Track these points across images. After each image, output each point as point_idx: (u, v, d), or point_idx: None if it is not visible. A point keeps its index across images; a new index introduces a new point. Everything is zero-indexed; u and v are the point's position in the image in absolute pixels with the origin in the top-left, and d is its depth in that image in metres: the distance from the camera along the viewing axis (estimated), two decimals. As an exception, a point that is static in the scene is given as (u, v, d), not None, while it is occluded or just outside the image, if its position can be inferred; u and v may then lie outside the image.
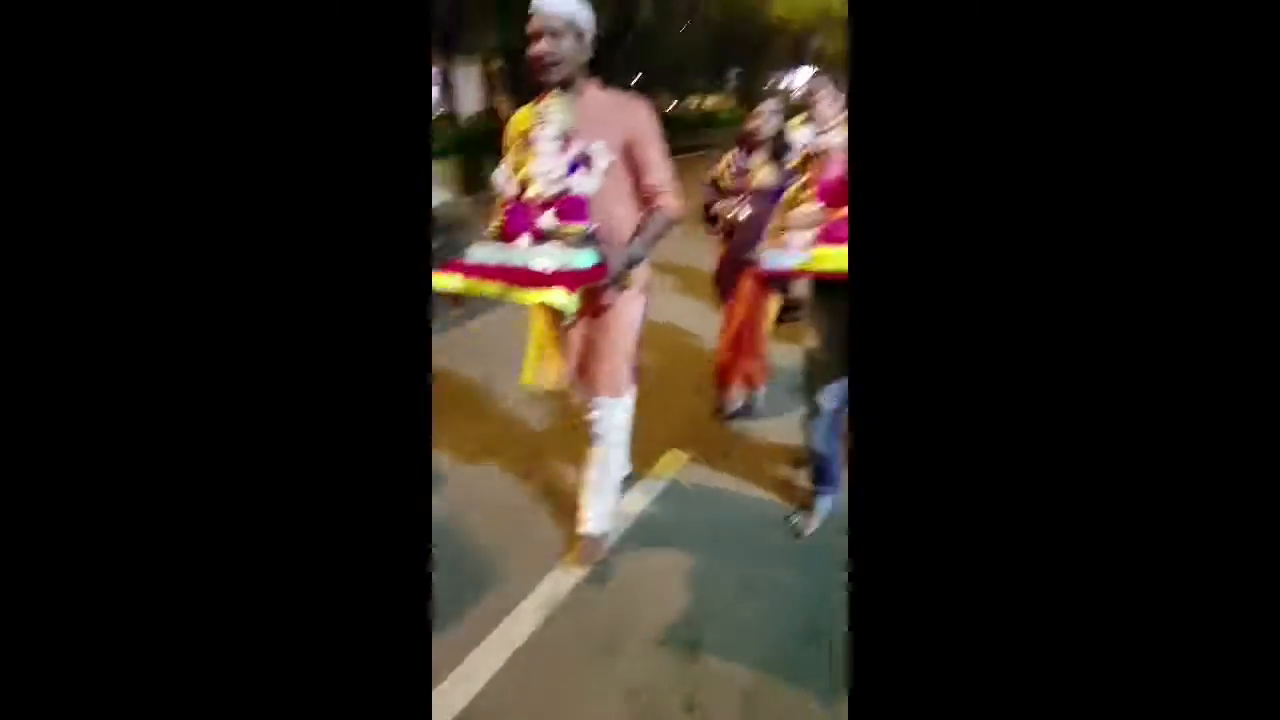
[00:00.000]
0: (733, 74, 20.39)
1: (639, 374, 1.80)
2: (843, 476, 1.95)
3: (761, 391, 2.68)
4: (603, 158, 1.40)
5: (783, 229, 1.57)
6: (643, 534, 1.94)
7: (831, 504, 1.98)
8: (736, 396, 2.64)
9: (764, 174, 2.35)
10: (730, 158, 2.49)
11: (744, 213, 2.36)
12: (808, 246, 1.50)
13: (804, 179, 1.56)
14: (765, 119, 2.36)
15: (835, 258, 1.43)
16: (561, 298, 1.23)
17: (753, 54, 19.19)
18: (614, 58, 14.48)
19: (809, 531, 1.93)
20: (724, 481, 2.22)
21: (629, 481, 2.17)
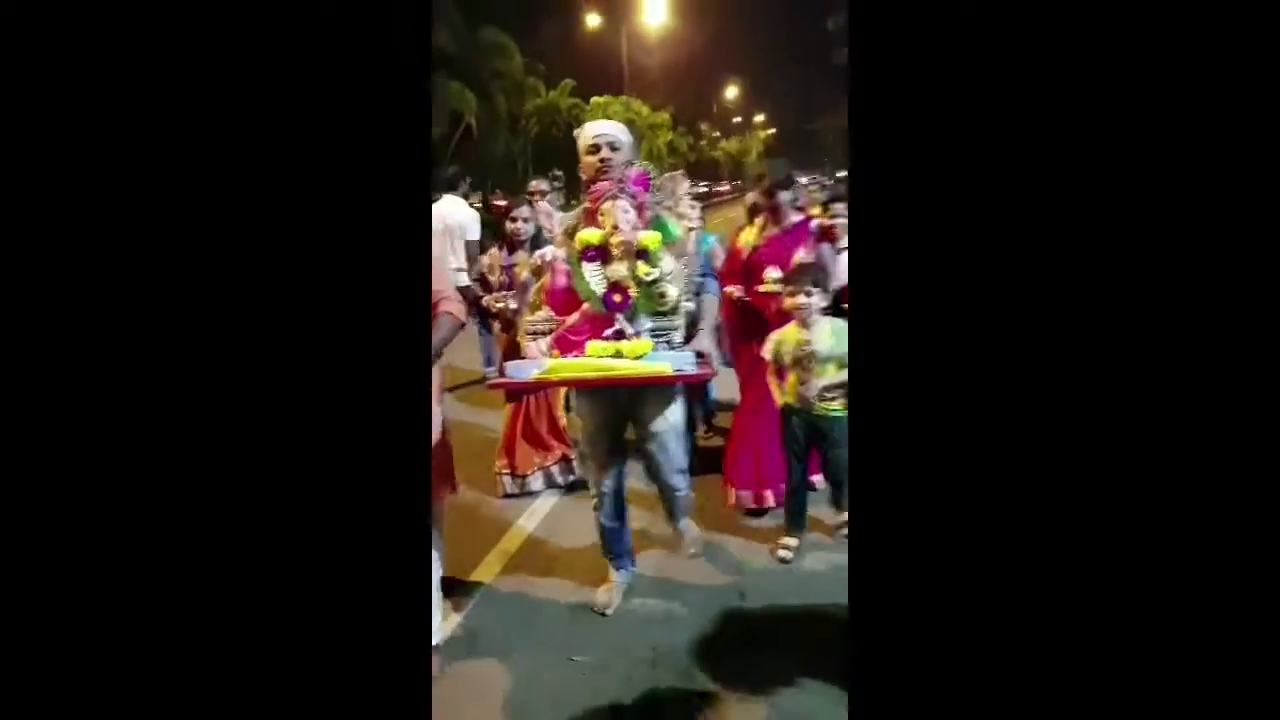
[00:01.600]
0: (558, 175, 21.63)
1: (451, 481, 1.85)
2: (630, 552, 2.07)
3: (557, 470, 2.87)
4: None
5: (525, 333, 1.74)
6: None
7: (629, 577, 2.08)
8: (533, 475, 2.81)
9: (528, 271, 2.60)
10: (494, 255, 2.75)
11: (513, 304, 2.58)
12: (544, 355, 1.67)
13: (539, 284, 1.76)
14: (520, 222, 2.65)
15: (567, 368, 1.62)
16: None
17: (570, 158, 20.49)
18: (443, 159, 14.80)
19: (610, 610, 2.00)
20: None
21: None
